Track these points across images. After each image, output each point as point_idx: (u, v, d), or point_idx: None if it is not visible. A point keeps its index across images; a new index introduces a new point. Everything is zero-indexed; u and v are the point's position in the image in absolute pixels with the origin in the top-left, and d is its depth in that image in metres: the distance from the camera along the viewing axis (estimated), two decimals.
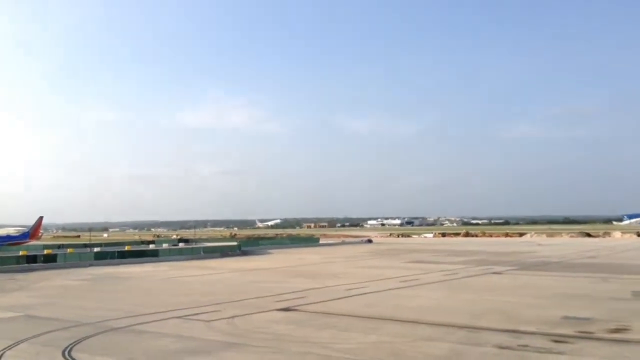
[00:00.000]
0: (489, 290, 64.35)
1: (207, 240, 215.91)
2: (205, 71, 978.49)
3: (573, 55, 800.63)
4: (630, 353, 33.73)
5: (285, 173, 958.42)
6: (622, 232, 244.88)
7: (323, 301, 55.94)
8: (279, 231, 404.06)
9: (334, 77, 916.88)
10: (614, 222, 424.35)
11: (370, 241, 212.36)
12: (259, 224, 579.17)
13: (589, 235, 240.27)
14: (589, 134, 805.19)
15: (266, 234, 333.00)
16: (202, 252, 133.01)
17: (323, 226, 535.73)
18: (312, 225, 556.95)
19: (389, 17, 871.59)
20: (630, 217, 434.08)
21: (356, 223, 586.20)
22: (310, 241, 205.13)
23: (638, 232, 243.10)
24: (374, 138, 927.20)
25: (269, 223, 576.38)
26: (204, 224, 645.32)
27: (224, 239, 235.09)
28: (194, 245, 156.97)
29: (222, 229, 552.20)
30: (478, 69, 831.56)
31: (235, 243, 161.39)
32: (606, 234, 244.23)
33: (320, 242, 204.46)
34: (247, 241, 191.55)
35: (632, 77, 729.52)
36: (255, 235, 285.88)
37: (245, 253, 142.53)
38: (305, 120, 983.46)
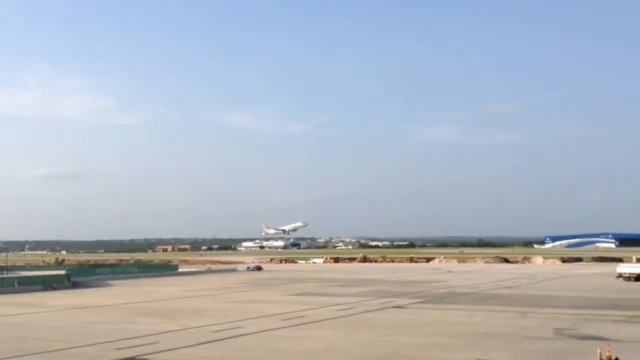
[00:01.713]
0: (389, 328, 66.42)
1: (23, 268, 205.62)
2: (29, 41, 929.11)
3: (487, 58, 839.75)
4: None
5: (142, 179, 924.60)
6: (544, 258, 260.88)
7: (181, 347, 55.20)
8: (125, 256, 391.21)
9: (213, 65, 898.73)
10: (535, 246, 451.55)
11: (259, 268, 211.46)
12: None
13: (506, 260, 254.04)
14: (509, 140, 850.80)
15: (106, 259, 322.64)
16: (15, 284, 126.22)
17: (184, 249, 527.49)
18: (170, 248, 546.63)
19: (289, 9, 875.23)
20: (554, 239, 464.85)
21: (227, 245, 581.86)
22: (166, 269, 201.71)
23: (563, 257, 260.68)
24: (260, 137, 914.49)
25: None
26: (20, 246, 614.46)
27: (47, 266, 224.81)
28: (4, 275, 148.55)
29: (45, 252, 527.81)
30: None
31: (63, 272, 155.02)
32: (526, 259, 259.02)
33: (180, 270, 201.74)
34: (79, 269, 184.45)
35: (549, 84, 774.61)
36: (91, 262, 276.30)
37: (76, 285, 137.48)
38: (168, 111, 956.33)
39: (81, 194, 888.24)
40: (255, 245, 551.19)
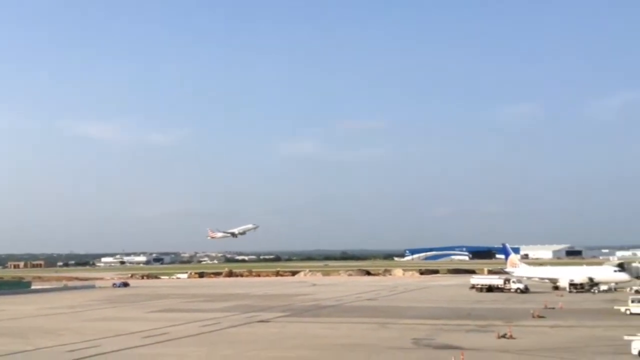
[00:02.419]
0: (254, 343, 66.01)
1: None
2: None
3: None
4: None
5: None
6: (404, 270, 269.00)
7: None
8: None
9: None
10: (396, 258, 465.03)
11: (126, 284, 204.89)
12: None
13: (368, 273, 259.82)
14: (370, 157, 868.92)
15: None
16: None
17: (38, 265, 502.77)
18: (22, 264, 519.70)
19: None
20: (413, 252, 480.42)
21: (85, 261, 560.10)
22: (18, 286, 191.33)
23: (421, 270, 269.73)
24: (119, 148, 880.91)
25: None
26: None
27: None
28: None
29: None
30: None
31: None
32: (387, 271, 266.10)
33: (33, 287, 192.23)
34: None
35: (407, 105, 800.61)
36: None
37: None
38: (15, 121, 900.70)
39: None
40: (115, 260, 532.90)
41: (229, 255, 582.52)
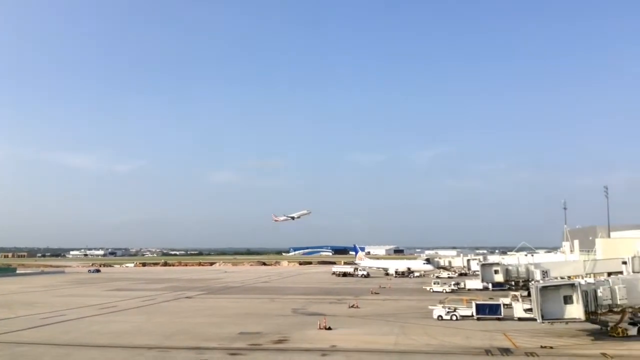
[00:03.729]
0: (180, 313, 64.37)
1: None
2: None
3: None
4: (289, 358, 37.53)
5: None
6: (289, 261, 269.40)
7: (14, 331, 49.27)
8: None
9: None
10: (283, 253, 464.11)
11: (98, 270, 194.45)
12: None
13: (264, 264, 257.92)
14: (276, 185, 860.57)
15: None
16: None
17: (22, 256, 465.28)
18: (10, 254, 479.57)
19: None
20: (295, 249, 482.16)
21: (58, 253, 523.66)
22: (6, 271, 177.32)
23: (300, 261, 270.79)
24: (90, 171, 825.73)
25: None
26: None
27: None
28: None
29: None
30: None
31: None
32: (277, 263, 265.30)
33: (18, 272, 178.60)
34: None
35: (300, 148, 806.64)
36: None
37: None
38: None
39: None
40: (80, 253, 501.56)
41: (165, 251, 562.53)
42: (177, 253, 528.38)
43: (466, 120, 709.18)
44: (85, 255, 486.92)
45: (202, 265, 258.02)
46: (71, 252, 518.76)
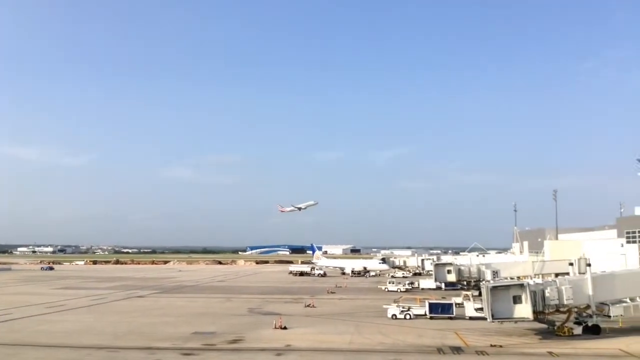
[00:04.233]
0: (132, 312, 62.93)
1: None
2: None
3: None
4: (244, 358, 37.30)
5: None
6: (245, 261, 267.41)
7: None
8: None
9: None
10: (240, 252, 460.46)
11: (51, 268, 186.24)
12: None
13: (220, 262, 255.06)
14: (234, 182, 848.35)
15: None
16: None
17: None
18: None
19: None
20: (252, 248, 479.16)
21: (4, 250, 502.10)
22: None
23: (257, 260, 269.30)
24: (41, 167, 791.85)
25: None
26: None
27: None
28: None
29: None
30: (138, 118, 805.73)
31: None
32: (233, 262, 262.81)
33: None
34: None
35: (259, 143, 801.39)
36: None
37: None
38: None
39: None
40: (28, 250, 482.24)
41: (117, 248, 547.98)
42: (130, 251, 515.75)
43: (425, 122, 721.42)
44: (34, 252, 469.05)
45: (156, 263, 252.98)
46: (19, 249, 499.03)
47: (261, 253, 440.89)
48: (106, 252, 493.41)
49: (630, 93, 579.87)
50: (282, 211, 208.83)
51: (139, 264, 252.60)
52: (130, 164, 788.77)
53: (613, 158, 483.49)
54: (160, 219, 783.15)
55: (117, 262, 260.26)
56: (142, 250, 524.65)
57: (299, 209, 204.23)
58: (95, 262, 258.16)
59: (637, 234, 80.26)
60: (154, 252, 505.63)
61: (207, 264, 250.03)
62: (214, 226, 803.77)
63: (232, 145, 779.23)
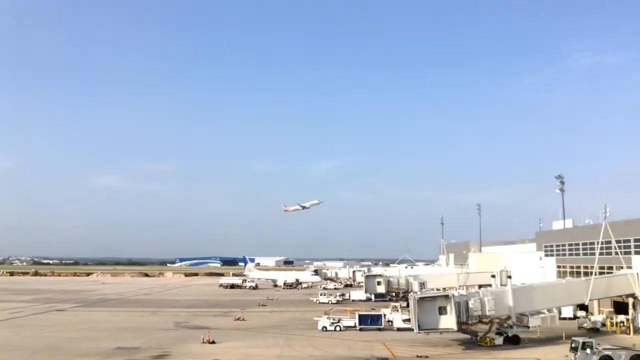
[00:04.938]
0: (51, 326, 59.46)
1: None
2: None
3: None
4: None
5: None
6: (174, 273, 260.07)
7: None
8: None
9: None
10: (169, 264, 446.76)
11: None
12: None
13: (146, 275, 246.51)
14: (166, 191, 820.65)
15: None
16: None
17: None
18: None
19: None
20: (181, 260, 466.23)
21: None
22: None
23: (186, 273, 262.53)
24: None
25: None
26: None
27: None
28: None
29: None
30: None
31: None
32: (161, 274, 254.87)
33: None
34: None
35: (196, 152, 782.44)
36: None
37: None
38: None
39: None
40: None
41: (36, 259, 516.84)
42: (51, 262, 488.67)
43: (359, 137, 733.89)
44: None
45: (78, 275, 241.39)
46: None
47: (191, 265, 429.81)
48: (24, 263, 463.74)
49: (555, 112, 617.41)
50: (285, 210, 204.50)
51: (59, 275, 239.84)
52: (52, 171, 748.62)
53: (535, 174, 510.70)
54: (83, 228, 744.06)
55: (37, 273, 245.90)
56: (63, 262, 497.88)
57: (304, 207, 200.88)
58: (12, 274, 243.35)
59: (554, 248, 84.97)
60: (76, 263, 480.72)
61: (132, 276, 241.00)
62: (141, 237, 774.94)
63: (164, 153, 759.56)
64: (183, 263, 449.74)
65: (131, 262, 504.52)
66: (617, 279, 55.78)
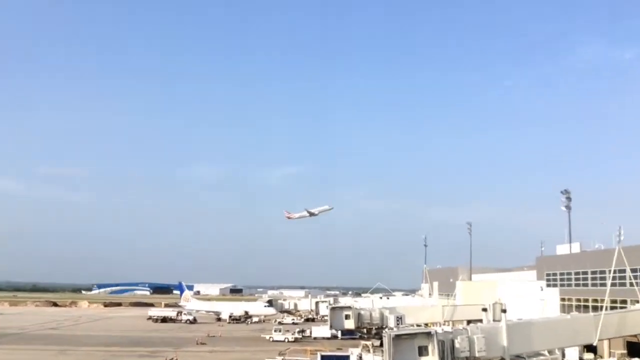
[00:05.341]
0: None
1: None
2: None
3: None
4: None
5: None
6: (90, 302, 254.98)
7: None
8: None
9: None
10: (84, 292, 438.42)
11: None
12: None
13: (55, 304, 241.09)
14: (76, 200, 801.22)
15: None
16: None
17: None
18: None
19: None
20: (100, 286, 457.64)
21: None
22: None
23: (105, 302, 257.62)
24: None
25: None
26: None
27: None
28: None
29: None
30: None
31: None
32: (73, 303, 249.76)
33: None
34: None
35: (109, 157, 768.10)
36: None
37: None
38: None
39: None
40: None
41: None
42: None
43: (321, 141, 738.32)
44: None
45: None
46: None
47: (113, 293, 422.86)
48: None
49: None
50: (289, 217, 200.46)
51: None
52: None
53: (536, 190, 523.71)
54: None
55: None
56: None
57: (312, 214, 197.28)
58: None
59: (557, 276, 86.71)
60: None
61: (37, 305, 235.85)
62: (48, 255, 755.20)
63: (78, 156, 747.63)
64: (102, 290, 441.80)
65: (35, 289, 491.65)
66: (632, 315, 57.11)
